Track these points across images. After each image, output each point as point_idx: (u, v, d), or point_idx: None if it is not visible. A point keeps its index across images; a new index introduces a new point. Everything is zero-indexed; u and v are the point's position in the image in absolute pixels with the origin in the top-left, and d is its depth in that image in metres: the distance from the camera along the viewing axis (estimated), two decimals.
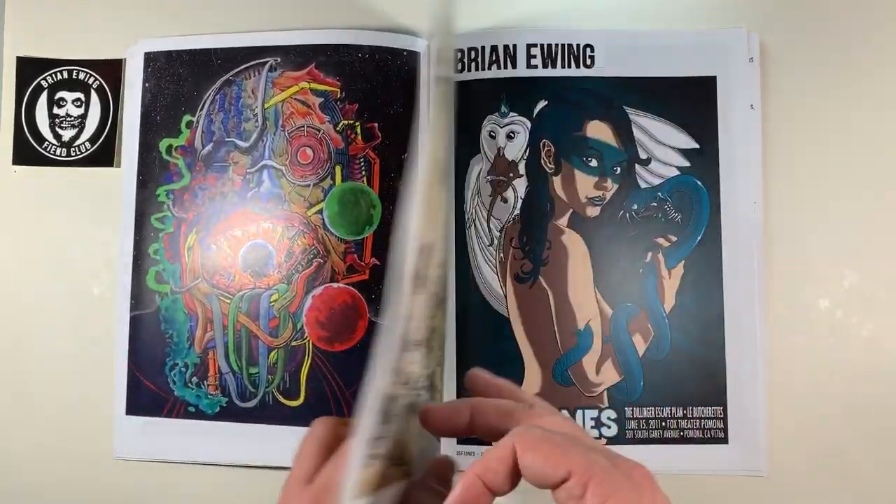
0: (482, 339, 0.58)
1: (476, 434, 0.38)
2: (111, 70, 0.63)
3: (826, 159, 0.59)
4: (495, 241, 0.59)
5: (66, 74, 0.63)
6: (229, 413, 0.59)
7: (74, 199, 0.63)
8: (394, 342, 0.31)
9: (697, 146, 0.58)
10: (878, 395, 0.57)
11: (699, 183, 0.58)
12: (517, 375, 0.57)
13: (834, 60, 0.60)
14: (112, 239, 0.61)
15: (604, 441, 0.57)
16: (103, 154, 0.63)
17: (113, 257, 0.61)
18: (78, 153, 0.63)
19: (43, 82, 0.63)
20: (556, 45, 0.60)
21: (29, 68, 0.63)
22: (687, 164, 0.58)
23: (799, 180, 0.59)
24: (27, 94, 0.63)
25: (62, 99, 0.63)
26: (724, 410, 0.57)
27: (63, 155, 0.63)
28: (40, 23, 0.64)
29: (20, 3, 0.64)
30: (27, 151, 0.63)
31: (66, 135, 0.63)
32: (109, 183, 0.62)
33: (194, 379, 0.59)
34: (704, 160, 0.58)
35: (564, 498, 0.32)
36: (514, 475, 0.33)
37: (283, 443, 0.58)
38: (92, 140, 0.63)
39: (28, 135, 0.63)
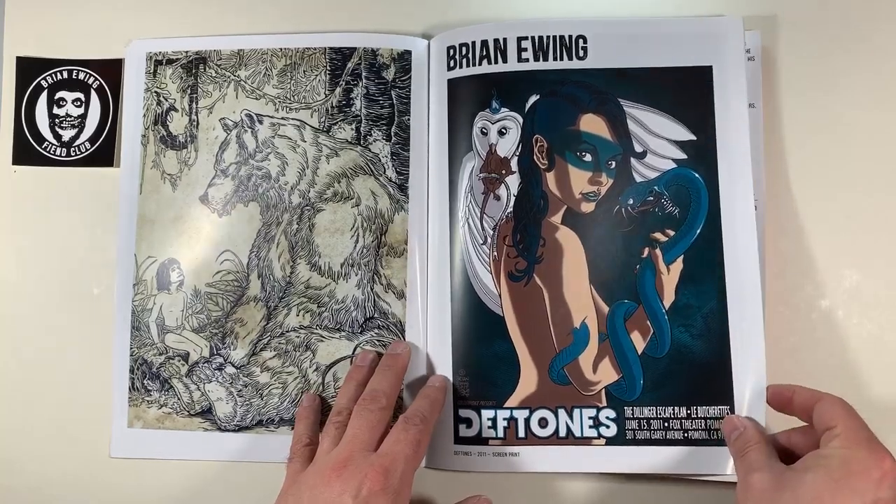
0: (477, 339, 0.57)
1: (791, 413, 0.52)
2: (111, 70, 0.63)
3: (827, 158, 0.58)
4: (488, 240, 0.58)
5: (66, 74, 0.63)
6: None
7: (74, 199, 0.63)
8: None
9: (694, 137, 0.57)
10: (878, 395, 0.57)
11: (697, 176, 0.57)
12: (512, 374, 0.57)
13: (835, 58, 0.59)
14: (112, 239, 0.62)
15: (602, 441, 0.56)
16: (103, 154, 0.63)
17: (113, 257, 0.61)
18: (78, 153, 0.63)
19: (43, 82, 0.63)
20: (547, 38, 0.58)
21: (29, 68, 0.64)
22: (684, 156, 0.57)
23: (799, 180, 0.58)
24: (27, 94, 0.63)
25: (62, 99, 0.63)
26: (731, 410, 0.55)
27: (63, 155, 0.63)
28: (40, 23, 0.64)
29: (20, 3, 0.64)
30: (27, 151, 0.63)
31: (66, 135, 0.63)
32: (109, 183, 0.62)
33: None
34: (702, 152, 0.57)
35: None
36: (801, 412, 0.51)
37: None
38: (92, 140, 0.63)
39: (28, 135, 0.63)
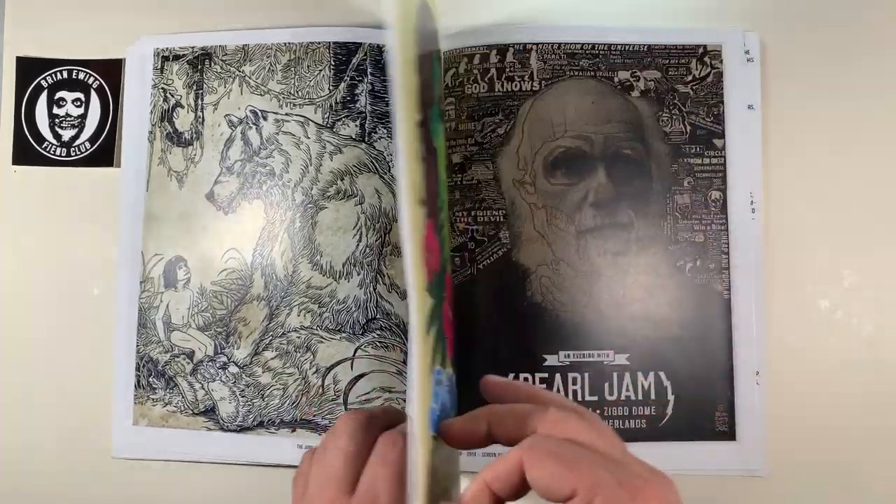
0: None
1: (497, 443, 0.37)
2: (111, 70, 0.63)
3: (827, 158, 0.59)
4: None
5: (66, 74, 0.63)
6: None
7: (74, 199, 0.63)
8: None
9: None
10: (878, 395, 0.57)
11: None
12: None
13: (834, 60, 0.59)
14: (112, 238, 0.61)
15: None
16: (103, 154, 0.63)
17: (113, 257, 0.61)
18: (78, 153, 0.63)
19: (43, 82, 0.63)
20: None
21: (29, 68, 0.63)
22: None
23: (799, 180, 0.58)
24: (27, 94, 0.63)
25: (62, 99, 0.63)
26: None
27: (63, 155, 0.63)
28: (40, 23, 0.64)
29: (20, 3, 0.64)
30: (27, 151, 0.63)
31: (66, 135, 0.63)
32: (109, 183, 0.62)
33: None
34: None
35: None
36: (523, 485, 0.33)
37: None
38: (92, 140, 0.63)
39: (28, 135, 0.63)
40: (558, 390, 0.56)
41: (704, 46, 0.58)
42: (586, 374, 0.56)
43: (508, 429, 0.36)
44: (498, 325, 0.57)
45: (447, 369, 0.41)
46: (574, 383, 0.56)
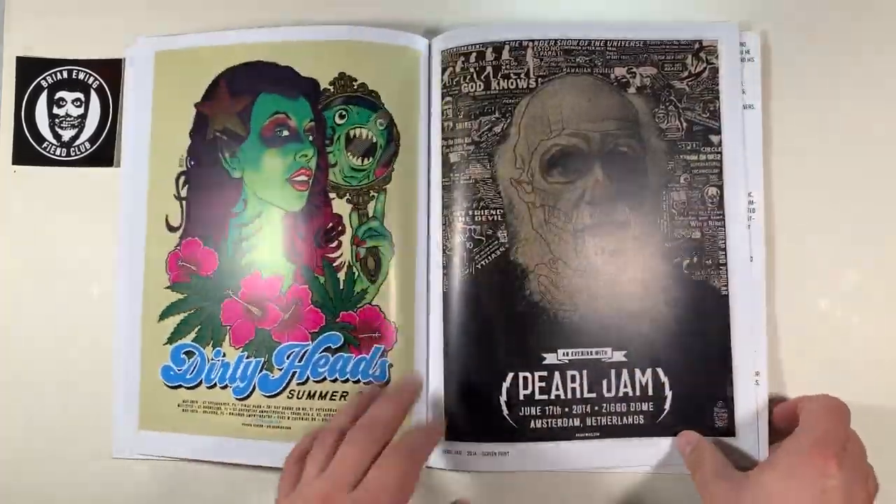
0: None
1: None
2: (111, 70, 0.63)
3: (826, 158, 0.59)
4: None
5: (66, 74, 0.63)
6: None
7: (74, 199, 0.63)
8: None
9: None
10: (878, 395, 0.57)
11: None
12: None
13: (835, 58, 0.59)
14: (112, 239, 0.61)
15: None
16: (103, 154, 0.63)
17: (113, 258, 0.61)
18: (78, 153, 0.63)
19: (43, 82, 0.63)
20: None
21: (29, 68, 0.63)
22: None
23: (799, 180, 0.58)
24: (27, 94, 0.63)
25: (62, 99, 0.63)
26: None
27: (63, 155, 0.63)
28: (40, 23, 0.64)
29: (20, 3, 0.64)
30: (27, 151, 0.63)
31: (66, 135, 0.63)
32: (109, 183, 0.62)
33: None
34: None
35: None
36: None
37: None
38: (92, 140, 0.63)
39: (28, 135, 0.63)
40: (557, 388, 0.56)
41: (700, 42, 0.58)
42: (584, 372, 0.56)
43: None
44: (496, 324, 0.57)
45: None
46: (573, 381, 0.56)
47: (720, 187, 0.57)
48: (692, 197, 0.57)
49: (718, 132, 0.57)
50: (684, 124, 0.58)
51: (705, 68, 0.58)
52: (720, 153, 0.57)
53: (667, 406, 0.56)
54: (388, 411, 0.51)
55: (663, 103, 0.58)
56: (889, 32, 0.59)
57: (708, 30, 0.59)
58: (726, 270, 0.56)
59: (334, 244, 0.58)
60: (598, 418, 0.56)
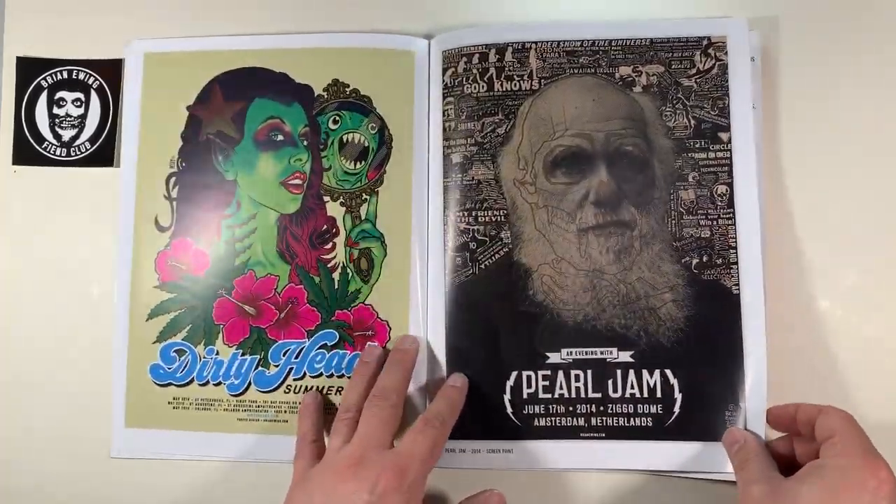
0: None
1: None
2: (111, 70, 0.63)
3: (826, 159, 0.58)
4: None
5: (66, 74, 0.63)
6: None
7: (74, 199, 0.62)
8: None
9: None
10: (879, 395, 0.56)
11: None
12: None
13: (835, 58, 0.59)
14: (111, 239, 0.61)
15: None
16: (103, 154, 0.62)
17: (112, 258, 0.61)
18: (78, 153, 0.63)
19: (43, 82, 0.63)
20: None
21: (29, 68, 0.63)
22: None
23: (799, 180, 0.58)
24: (27, 94, 0.63)
25: (62, 99, 0.63)
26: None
27: (63, 155, 0.63)
28: (40, 23, 0.64)
29: (20, 3, 0.64)
30: (27, 151, 0.63)
31: (66, 135, 0.63)
32: (109, 183, 0.62)
33: None
34: None
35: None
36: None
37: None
38: (92, 140, 0.63)
39: (28, 135, 0.63)
40: (561, 387, 0.56)
41: (709, 38, 0.58)
42: (589, 372, 0.56)
43: (808, 413, 0.51)
44: (500, 324, 0.56)
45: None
46: (577, 380, 0.56)
47: (730, 185, 0.57)
48: (701, 195, 0.57)
49: (727, 129, 0.57)
50: (692, 122, 0.57)
51: (714, 65, 0.58)
52: (730, 150, 0.57)
53: (676, 409, 0.56)
54: (397, 376, 0.54)
55: (670, 101, 0.58)
56: (889, 32, 0.59)
57: (717, 26, 0.58)
58: (738, 269, 0.56)
59: (328, 246, 0.59)
60: (604, 419, 0.56)
